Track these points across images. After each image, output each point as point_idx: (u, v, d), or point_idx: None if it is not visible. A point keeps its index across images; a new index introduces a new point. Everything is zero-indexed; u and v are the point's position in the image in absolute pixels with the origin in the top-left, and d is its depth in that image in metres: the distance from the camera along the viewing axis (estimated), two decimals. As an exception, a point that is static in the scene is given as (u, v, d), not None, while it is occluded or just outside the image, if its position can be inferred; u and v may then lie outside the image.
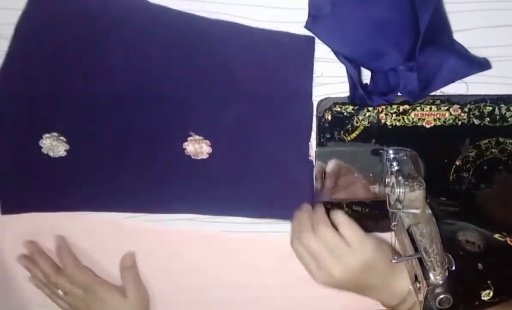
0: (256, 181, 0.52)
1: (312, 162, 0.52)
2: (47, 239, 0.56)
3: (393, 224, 0.47)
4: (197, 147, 0.51)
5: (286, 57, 0.50)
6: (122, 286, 0.56)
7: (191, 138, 0.50)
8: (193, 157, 0.51)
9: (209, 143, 0.51)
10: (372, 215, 0.55)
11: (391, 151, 0.52)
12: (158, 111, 0.50)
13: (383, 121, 0.51)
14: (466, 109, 0.51)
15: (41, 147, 0.51)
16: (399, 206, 0.45)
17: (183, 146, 0.51)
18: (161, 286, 0.60)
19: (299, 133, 0.51)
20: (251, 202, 0.53)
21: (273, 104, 0.50)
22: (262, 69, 0.50)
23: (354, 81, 0.48)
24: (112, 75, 0.49)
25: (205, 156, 0.51)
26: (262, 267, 0.59)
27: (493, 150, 0.53)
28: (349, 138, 0.52)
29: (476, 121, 0.52)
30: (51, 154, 0.51)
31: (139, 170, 0.52)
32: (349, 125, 0.52)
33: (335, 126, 0.52)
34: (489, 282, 0.46)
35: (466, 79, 0.50)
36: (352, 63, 0.48)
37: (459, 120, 0.52)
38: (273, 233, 0.56)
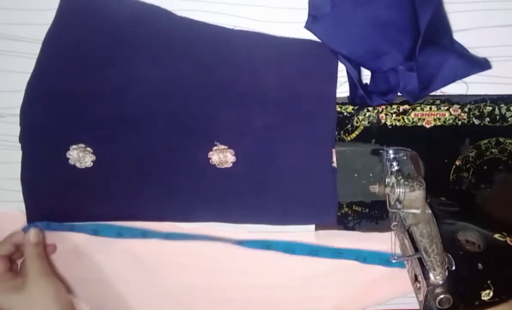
0: (280, 189, 0.52)
1: (335, 169, 0.52)
2: (50, 241, 0.56)
3: (393, 224, 0.47)
4: (222, 156, 0.51)
5: (309, 65, 0.50)
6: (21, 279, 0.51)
7: (215, 148, 0.51)
8: (217, 166, 0.52)
9: (233, 152, 0.51)
10: (372, 215, 0.55)
11: (391, 151, 0.52)
12: (184, 121, 0.51)
13: (383, 121, 0.52)
14: (466, 109, 0.51)
15: (68, 159, 0.51)
16: (399, 206, 0.45)
17: (208, 156, 0.51)
18: (158, 285, 0.60)
19: (323, 141, 0.51)
20: (275, 209, 0.53)
21: (296, 112, 0.51)
22: (285, 77, 0.50)
23: (354, 81, 0.48)
24: (138, 87, 0.50)
25: (229, 165, 0.51)
26: (261, 267, 0.59)
27: (493, 150, 0.53)
28: (349, 139, 0.52)
29: (476, 121, 0.52)
30: (78, 165, 0.51)
31: (165, 180, 0.52)
32: (349, 125, 0.52)
33: (335, 126, 0.52)
34: (489, 282, 0.46)
35: (466, 79, 0.50)
36: (352, 63, 0.48)
37: (459, 120, 0.52)
38: (272, 233, 0.56)
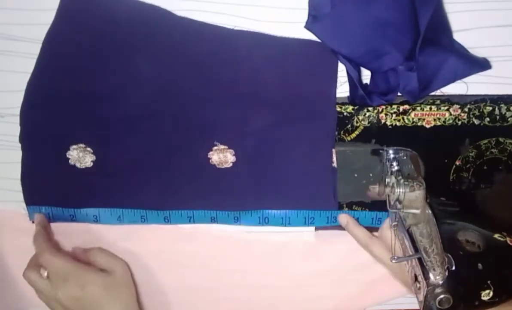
0: (279, 189, 0.52)
1: (335, 169, 0.52)
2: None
3: (393, 224, 0.47)
4: (222, 156, 0.51)
5: (309, 65, 0.50)
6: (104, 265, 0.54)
7: (215, 148, 0.51)
8: (217, 166, 0.52)
9: (233, 152, 0.51)
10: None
11: (391, 151, 0.52)
12: (184, 121, 0.51)
13: (383, 121, 0.52)
14: (466, 109, 0.51)
15: (68, 159, 0.51)
16: (399, 206, 0.45)
17: (208, 156, 0.51)
18: (158, 285, 0.60)
19: (323, 141, 0.51)
20: (275, 209, 0.53)
21: (296, 112, 0.51)
22: (285, 77, 0.50)
23: (354, 81, 0.48)
24: (138, 87, 0.50)
25: (229, 165, 0.52)
26: (260, 267, 0.59)
27: (493, 150, 0.53)
28: (349, 139, 0.52)
29: (476, 121, 0.52)
30: (78, 165, 0.51)
31: (165, 180, 0.52)
32: (349, 125, 0.52)
33: (335, 126, 0.52)
34: (489, 282, 0.45)
35: (466, 79, 0.50)
36: (352, 63, 0.48)
37: (459, 120, 0.52)
38: (270, 233, 0.56)
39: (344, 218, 0.53)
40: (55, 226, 0.55)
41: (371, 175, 0.53)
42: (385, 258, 0.50)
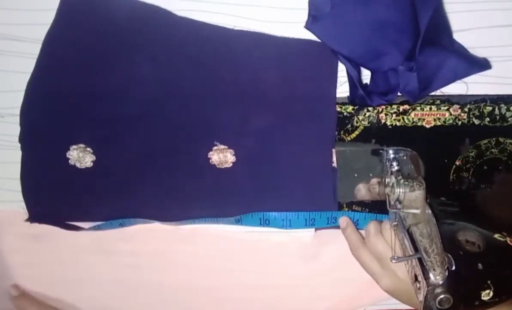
0: (279, 189, 0.52)
1: (335, 169, 0.52)
2: (50, 241, 0.56)
3: (393, 224, 0.47)
4: (222, 156, 0.51)
5: (309, 65, 0.50)
6: None
7: (215, 148, 0.51)
8: (217, 166, 0.52)
9: (233, 152, 0.51)
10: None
11: (391, 151, 0.52)
12: (184, 121, 0.51)
13: (383, 121, 0.52)
14: (466, 109, 0.51)
15: (68, 159, 0.51)
16: (399, 206, 0.45)
17: (208, 156, 0.51)
18: (159, 285, 0.60)
19: (323, 141, 0.51)
20: (275, 210, 0.53)
21: (296, 112, 0.51)
22: (285, 77, 0.50)
23: (354, 81, 0.48)
24: (138, 87, 0.50)
25: (229, 165, 0.51)
26: (260, 267, 0.59)
27: (493, 150, 0.53)
28: (349, 139, 0.52)
29: (476, 121, 0.52)
30: (78, 165, 0.51)
31: (165, 180, 0.52)
32: (349, 125, 0.52)
33: (335, 126, 0.52)
34: (489, 282, 0.46)
35: (466, 79, 0.50)
36: (352, 63, 0.48)
37: (459, 120, 0.52)
38: (270, 233, 0.56)
39: (344, 220, 0.53)
40: (56, 228, 0.55)
41: (371, 175, 0.53)
42: (373, 265, 0.50)
